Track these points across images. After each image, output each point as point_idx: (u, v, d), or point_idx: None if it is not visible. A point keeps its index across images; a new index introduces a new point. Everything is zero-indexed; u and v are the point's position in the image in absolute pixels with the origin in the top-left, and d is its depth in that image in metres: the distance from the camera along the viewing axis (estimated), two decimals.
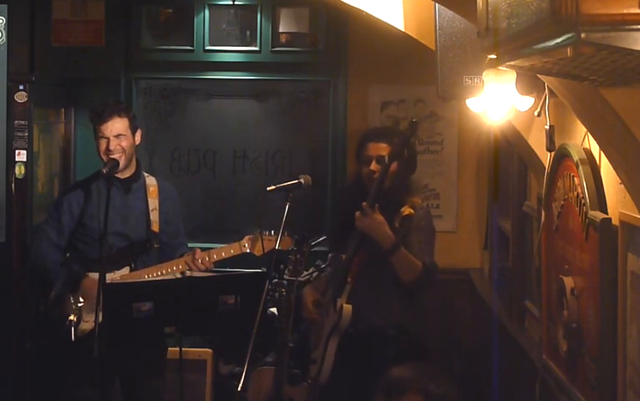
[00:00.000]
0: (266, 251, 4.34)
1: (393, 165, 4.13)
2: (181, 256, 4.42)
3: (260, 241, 4.35)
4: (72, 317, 4.27)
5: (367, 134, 4.43)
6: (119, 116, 4.36)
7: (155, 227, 4.43)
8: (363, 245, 4.13)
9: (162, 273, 4.32)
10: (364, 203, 4.05)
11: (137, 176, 4.48)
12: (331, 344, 4.13)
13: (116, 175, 4.34)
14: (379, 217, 4.02)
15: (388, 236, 4.02)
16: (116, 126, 4.33)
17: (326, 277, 4.47)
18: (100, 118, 4.33)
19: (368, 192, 4.15)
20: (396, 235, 4.07)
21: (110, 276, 4.20)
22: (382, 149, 4.20)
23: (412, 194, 4.24)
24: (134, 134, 4.42)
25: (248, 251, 4.41)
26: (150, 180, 4.53)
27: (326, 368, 4.12)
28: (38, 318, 4.86)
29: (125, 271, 4.34)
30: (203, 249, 4.44)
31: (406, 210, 4.07)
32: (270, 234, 4.37)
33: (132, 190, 4.45)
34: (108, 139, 4.31)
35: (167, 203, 4.52)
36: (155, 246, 4.42)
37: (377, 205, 4.04)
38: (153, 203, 4.47)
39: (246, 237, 4.42)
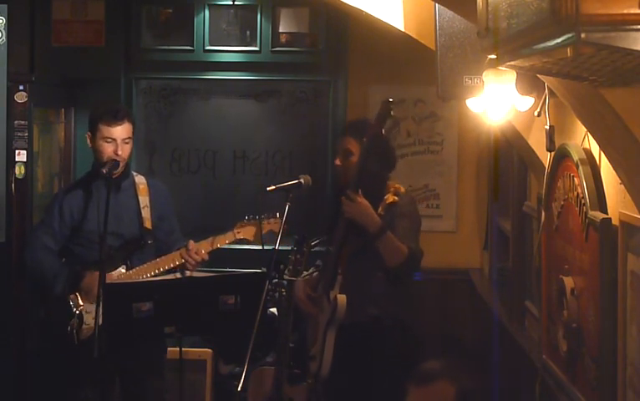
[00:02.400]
0: (264, 232, 4.33)
1: (355, 156, 4.15)
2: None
3: (251, 227, 4.36)
4: (73, 321, 4.27)
5: (344, 127, 4.49)
6: (129, 121, 4.36)
7: (148, 224, 4.42)
8: (350, 235, 4.13)
9: (159, 270, 4.31)
10: (348, 189, 4.06)
11: (126, 175, 4.47)
12: (328, 338, 4.12)
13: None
14: (364, 201, 4.02)
15: (375, 220, 4.02)
16: (126, 130, 4.32)
17: (315, 276, 4.46)
18: (115, 118, 4.29)
19: (340, 184, 4.18)
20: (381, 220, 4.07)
21: (107, 276, 4.19)
22: (347, 142, 4.23)
23: (389, 181, 4.24)
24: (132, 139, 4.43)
25: (242, 237, 4.40)
26: (139, 179, 4.52)
27: (325, 362, 4.12)
28: (38, 319, 4.85)
29: (121, 270, 4.34)
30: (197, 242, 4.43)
31: (390, 198, 4.07)
32: (262, 218, 4.36)
33: (122, 189, 4.43)
34: (116, 141, 4.29)
35: (158, 199, 4.51)
36: (149, 242, 4.41)
37: (359, 189, 4.03)
38: (144, 200, 4.46)
39: (238, 224, 4.42)
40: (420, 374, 2.22)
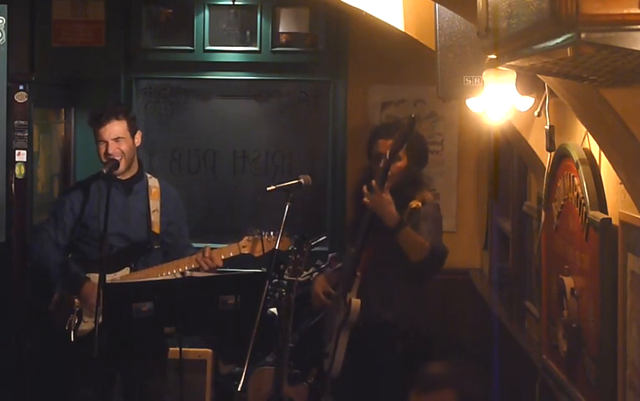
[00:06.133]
0: (265, 252, 4.35)
1: (403, 161, 4.16)
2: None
3: (258, 243, 4.36)
4: (72, 318, 4.28)
5: (376, 131, 4.46)
6: (117, 119, 4.35)
7: (156, 228, 4.43)
8: (371, 237, 4.14)
9: (175, 271, 4.31)
10: (373, 181, 4.07)
11: (139, 177, 4.48)
12: (341, 338, 4.14)
13: (117, 177, 4.35)
14: (387, 196, 4.04)
15: (393, 213, 4.04)
16: (114, 129, 4.33)
17: (338, 271, 4.49)
18: (98, 122, 4.33)
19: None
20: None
21: (110, 277, 4.20)
22: (385, 146, 4.19)
23: (422, 188, 4.25)
24: (133, 136, 4.42)
25: (246, 252, 4.41)
26: (153, 182, 4.53)
27: (337, 361, 4.13)
28: (38, 319, 4.86)
29: (125, 271, 4.34)
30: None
31: (414, 204, 4.11)
32: (269, 235, 4.37)
33: (133, 191, 4.45)
34: (107, 142, 4.32)
35: (169, 205, 4.52)
36: (156, 247, 4.42)
37: (386, 185, 4.04)
38: (154, 204, 4.47)
39: (245, 238, 4.42)
40: (422, 381, 2.20)
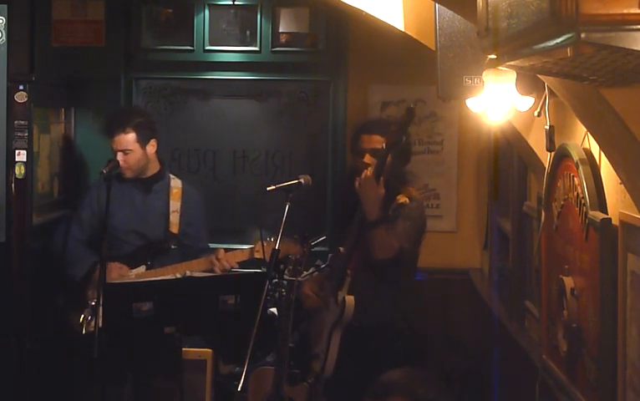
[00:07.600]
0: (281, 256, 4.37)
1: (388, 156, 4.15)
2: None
3: (269, 249, 4.38)
4: (86, 313, 4.32)
5: (360, 127, 4.44)
6: (124, 132, 4.44)
7: (174, 229, 4.47)
8: (362, 237, 4.13)
9: (189, 272, 4.33)
10: (370, 169, 4.05)
11: (159, 177, 4.53)
12: (334, 338, 4.13)
13: (139, 176, 4.41)
14: (380, 189, 4.01)
15: (377, 210, 4.01)
16: (122, 142, 4.43)
17: (322, 274, 4.47)
18: (107, 133, 4.45)
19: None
20: (388, 221, 4.07)
21: (125, 273, 4.25)
22: (375, 141, 4.20)
23: (407, 184, 4.24)
24: (144, 145, 4.46)
25: (259, 257, 4.44)
26: (175, 182, 4.58)
27: (330, 361, 4.13)
28: (55, 312, 4.89)
29: (141, 269, 4.38)
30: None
31: (401, 199, 4.10)
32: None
33: (153, 191, 4.50)
34: (116, 152, 4.42)
35: (189, 206, 4.56)
36: (173, 247, 4.46)
37: (381, 179, 4.03)
38: (174, 205, 4.51)
39: (258, 243, 4.44)
40: (376, 388, 2.23)
